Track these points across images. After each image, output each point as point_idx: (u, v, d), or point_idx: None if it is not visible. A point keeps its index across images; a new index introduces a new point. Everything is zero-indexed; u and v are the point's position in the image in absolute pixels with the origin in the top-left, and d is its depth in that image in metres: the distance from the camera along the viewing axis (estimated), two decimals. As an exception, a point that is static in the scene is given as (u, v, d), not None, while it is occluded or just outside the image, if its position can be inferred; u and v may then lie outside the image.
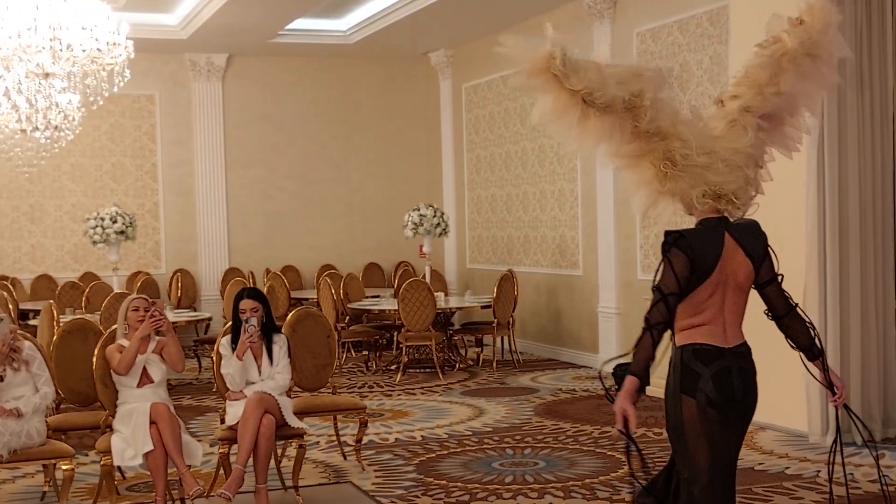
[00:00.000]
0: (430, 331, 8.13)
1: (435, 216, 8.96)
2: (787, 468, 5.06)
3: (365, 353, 9.20)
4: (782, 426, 5.81)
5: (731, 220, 2.80)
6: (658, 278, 2.70)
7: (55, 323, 6.33)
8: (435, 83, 11.44)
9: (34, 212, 10.52)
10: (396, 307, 8.17)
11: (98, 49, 5.96)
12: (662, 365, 2.82)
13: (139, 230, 9.04)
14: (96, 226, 8.04)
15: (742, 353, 2.79)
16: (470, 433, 6.12)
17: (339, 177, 11.46)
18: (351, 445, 5.50)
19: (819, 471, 4.97)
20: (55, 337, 5.01)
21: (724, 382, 2.72)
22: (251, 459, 4.43)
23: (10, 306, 7.86)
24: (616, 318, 8.37)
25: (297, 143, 11.29)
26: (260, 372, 4.68)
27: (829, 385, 2.90)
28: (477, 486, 4.87)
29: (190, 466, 4.37)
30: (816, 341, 2.87)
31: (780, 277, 2.85)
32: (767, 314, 2.88)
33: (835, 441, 3.00)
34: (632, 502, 2.89)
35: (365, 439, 5.46)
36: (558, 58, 2.61)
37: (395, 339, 8.97)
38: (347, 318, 8.96)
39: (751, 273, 2.77)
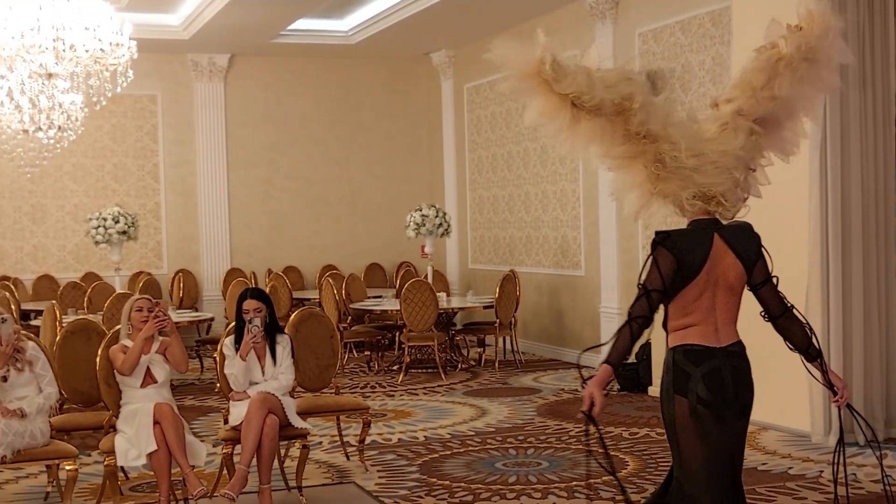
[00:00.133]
0: (432, 331, 8.13)
1: (437, 216, 8.97)
2: (791, 468, 5.07)
3: (367, 353, 9.20)
4: (785, 426, 5.82)
5: (724, 222, 2.83)
6: (644, 275, 2.76)
7: (58, 323, 6.34)
8: (437, 83, 11.44)
9: (36, 212, 10.53)
10: (399, 307, 8.18)
11: (101, 49, 5.96)
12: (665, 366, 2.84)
13: (141, 230, 9.04)
14: (98, 226, 8.05)
15: (735, 353, 2.80)
16: (473, 433, 6.12)
17: (341, 177, 11.46)
18: (354, 446, 5.50)
19: (822, 471, 4.97)
20: (58, 337, 5.01)
21: (715, 382, 2.75)
22: (255, 460, 4.44)
23: (13, 306, 7.86)
24: (618, 318, 8.36)
25: (299, 143, 11.30)
26: (263, 372, 4.68)
27: (829, 386, 2.90)
28: (480, 486, 4.87)
29: (194, 467, 4.37)
30: (814, 340, 2.88)
31: (775, 280, 2.86)
32: (763, 316, 2.90)
33: (839, 442, 3.00)
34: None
35: (368, 439, 5.46)
36: (548, 63, 2.67)
37: (397, 339, 8.97)
38: (350, 318, 8.96)
39: (741, 274, 2.80)
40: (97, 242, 8.11)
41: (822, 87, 2.91)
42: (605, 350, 2.80)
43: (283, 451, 5.01)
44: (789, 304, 2.87)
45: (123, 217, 8.11)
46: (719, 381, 2.74)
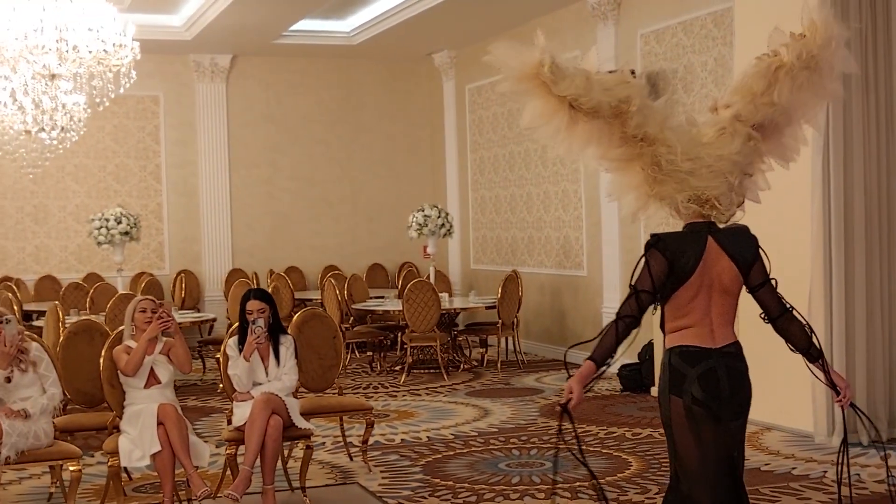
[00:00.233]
0: (434, 331, 8.13)
1: (439, 217, 8.97)
2: (794, 468, 5.07)
3: (369, 353, 9.20)
4: (788, 427, 5.82)
5: (720, 225, 2.85)
6: (635, 276, 2.81)
7: (60, 324, 6.34)
8: (438, 84, 11.45)
9: (38, 213, 10.53)
10: (401, 308, 8.18)
11: (104, 50, 5.97)
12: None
13: (143, 231, 9.05)
14: (101, 227, 8.05)
15: (731, 353, 2.83)
16: (476, 434, 6.12)
17: (343, 177, 11.47)
18: (357, 446, 5.50)
19: (825, 471, 4.97)
20: (62, 338, 5.01)
21: (710, 382, 2.78)
22: (258, 460, 4.44)
23: (15, 307, 7.87)
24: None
25: (301, 143, 11.30)
26: (267, 373, 4.69)
27: (832, 386, 2.91)
28: (484, 486, 4.88)
29: (197, 467, 4.37)
30: (814, 340, 2.88)
31: (774, 282, 2.88)
32: (763, 317, 2.91)
33: (842, 442, 3.00)
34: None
35: (371, 440, 5.46)
36: (547, 65, 2.69)
37: (399, 339, 8.97)
38: (352, 318, 8.96)
39: (736, 277, 2.82)
40: (100, 243, 8.12)
41: (823, 95, 2.92)
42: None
43: (286, 452, 5.01)
44: (789, 306, 2.88)
45: (126, 218, 8.12)
46: (714, 382, 2.78)
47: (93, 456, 5.40)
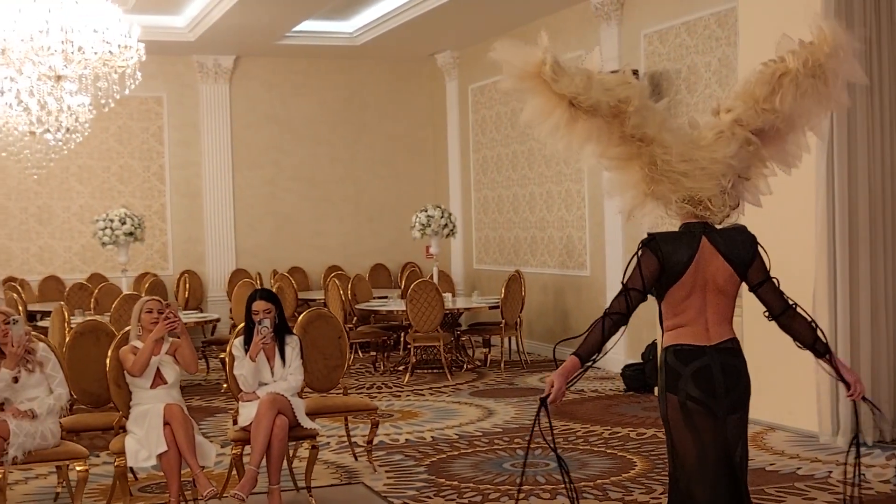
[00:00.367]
0: (437, 331, 8.14)
1: (443, 217, 8.98)
2: (799, 468, 5.07)
3: (373, 353, 9.21)
4: (793, 427, 5.82)
5: (717, 226, 2.88)
6: (627, 274, 2.85)
7: (66, 324, 6.35)
8: (441, 84, 11.46)
9: (42, 213, 10.56)
10: (404, 308, 8.19)
11: (110, 52, 5.98)
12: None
13: (146, 232, 9.07)
14: (105, 227, 8.07)
15: (726, 349, 2.85)
16: (480, 434, 6.13)
17: (346, 177, 11.48)
18: (361, 446, 5.51)
19: (830, 471, 4.97)
20: (68, 338, 5.03)
21: (704, 379, 2.81)
22: (264, 460, 4.45)
23: (20, 307, 7.89)
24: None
25: (304, 144, 11.32)
26: (272, 373, 4.70)
27: (841, 379, 2.92)
28: (489, 486, 4.88)
29: (203, 467, 4.38)
30: (819, 334, 2.89)
31: (776, 281, 2.90)
32: (767, 316, 2.93)
33: (854, 436, 3.01)
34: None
35: (375, 440, 5.47)
36: (549, 64, 2.75)
37: (402, 339, 8.98)
38: (355, 318, 8.97)
39: (731, 277, 2.85)
40: (104, 244, 8.13)
41: (827, 104, 2.94)
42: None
43: (291, 452, 5.02)
44: (792, 303, 2.89)
45: (130, 218, 8.14)
46: (708, 378, 2.81)
47: (98, 456, 5.41)
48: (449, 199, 11.29)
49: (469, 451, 5.68)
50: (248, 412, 4.58)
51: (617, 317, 2.82)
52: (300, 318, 5.29)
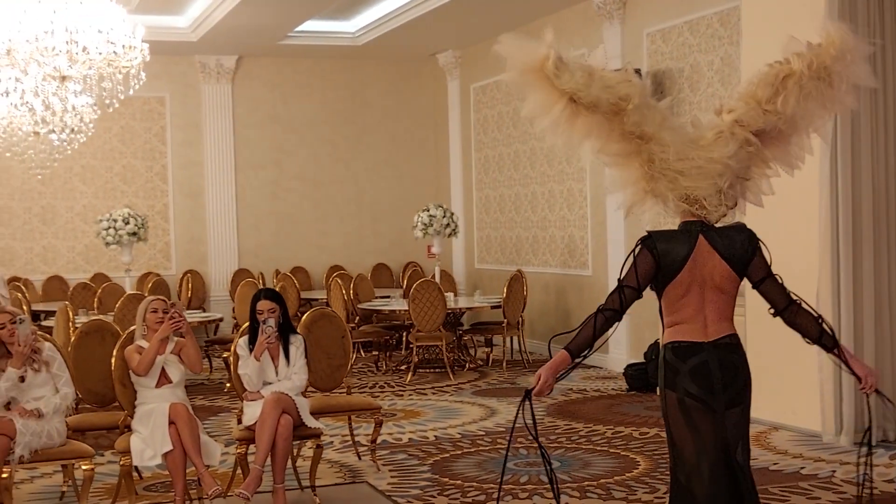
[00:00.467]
0: (440, 331, 8.16)
1: (445, 216, 8.99)
2: (803, 468, 5.08)
3: (375, 353, 9.23)
4: (796, 426, 5.83)
5: (716, 224, 2.90)
6: (623, 271, 2.88)
7: (70, 324, 6.37)
8: (443, 84, 11.47)
9: (46, 213, 10.58)
10: (406, 307, 8.20)
11: (114, 52, 6.00)
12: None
13: (149, 231, 9.09)
14: (109, 227, 8.09)
15: (725, 345, 2.87)
16: (483, 433, 6.14)
17: (348, 177, 11.49)
18: (365, 445, 5.52)
19: (834, 471, 4.98)
20: (73, 338, 5.04)
21: (701, 375, 2.84)
22: (269, 459, 4.46)
23: (24, 307, 7.90)
24: (625, 318, 8.33)
25: (306, 143, 11.33)
26: (277, 372, 4.71)
27: (853, 373, 2.92)
28: (492, 486, 4.89)
29: (208, 466, 4.39)
30: (825, 327, 2.90)
31: (779, 278, 2.91)
32: (772, 313, 2.93)
33: (864, 438, 3.02)
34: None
35: (378, 439, 5.48)
36: (552, 59, 2.78)
37: (404, 339, 9.00)
38: (358, 318, 8.99)
39: (728, 275, 2.86)
40: (108, 244, 8.15)
41: (832, 107, 2.94)
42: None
43: (295, 451, 5.03)
44: (796, 298, 2.90)
45: (133, 218, 8.16)
46: (705, 374, 2.83)
47: (103, 455, 5.43)
48: (451, 198, 11.30)
49: (472, 450, 5.69)
50: (252, 411, 4.59)
51: (610, 313, 2.84)
52: (304, 317, 5.31)
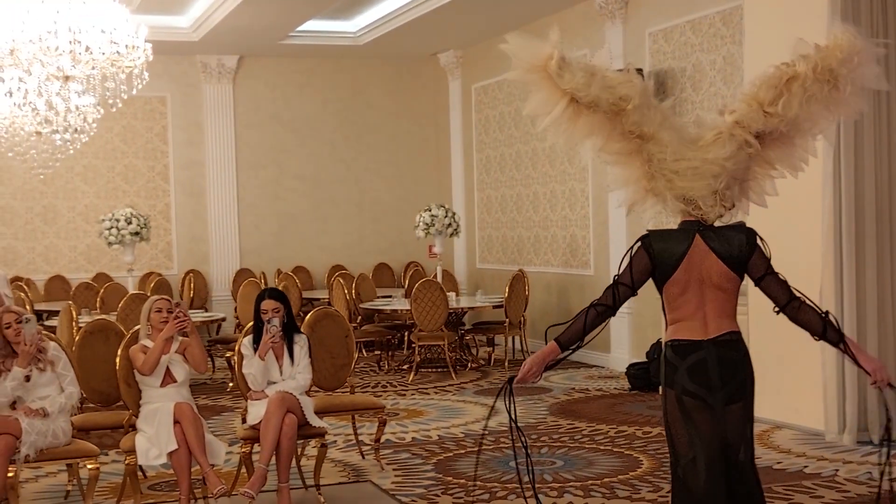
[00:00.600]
0: (441, 331, 8.17)
1: (446, 216, 9.00)
2: (806, 467, 5.09)
3: (377, 352, 9.24)
4: (798, 425, 5.84)
5: (715, 224, 2.91)
6: (620, 269, 2.93)
7: (74, 324, 6.38)
8: (444, 84, 11.47)
9: (47, 213, 10.58)
10: (408, 307, 8.21)
11: (117, 52, 6.00)
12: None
13: (151, 231, 9.09)
14: (111, 227, 8.09)
15: (724, 342, 2.88)
16: (486, 432, 6.14)
17: (349, 177, 11.50)
18: (368, 444, 5.53)
19: (837, 470, 4.99)
20: (77, 337, 5.05)
21: (699, 372, 2.86)
22: (273, 458, 4.47)
23: (27, 307, 7.91)
24: (628, 317, 8.39)
25: (308, 143, 11.34)
26: (281, 372, 4.72)
27: (861, 368, 2.92)
28: (496, 484, 4.90)
29: (213, 465, 4.40)
30: (832, 319, 2.89)
31: (780, 275, 2.92)
32: (775, 310, 2.95)
33: (886, 426, 3.02)
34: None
35: (382, 438, 5.49)
36: (555, 59, 2.81)
37: (406, 338, 9.01)
38: (359, 318, 9.00)
39: (727, 274, 2.88)
40: (110, 243, 8.15)
41: (836, 110, 2.94)
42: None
43: (299, 450, 5.04)
44: (798, 294, 2.90)
45: (136, 218, 8.16)
46: (703, 372, 2.86)
47: (107, 454, 5.43)
48: (452, 198, 11.31)
49: (475, 449, 5.69)
50: (257, 411, 4.60)
51: (602, 308, 2.88)
52: (308, 316, 5.32)
